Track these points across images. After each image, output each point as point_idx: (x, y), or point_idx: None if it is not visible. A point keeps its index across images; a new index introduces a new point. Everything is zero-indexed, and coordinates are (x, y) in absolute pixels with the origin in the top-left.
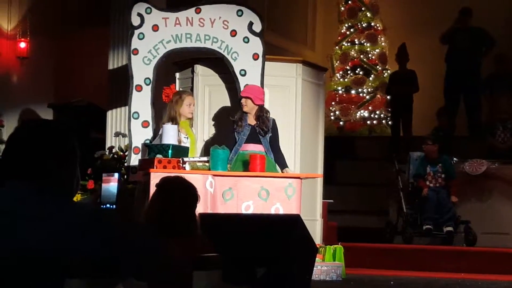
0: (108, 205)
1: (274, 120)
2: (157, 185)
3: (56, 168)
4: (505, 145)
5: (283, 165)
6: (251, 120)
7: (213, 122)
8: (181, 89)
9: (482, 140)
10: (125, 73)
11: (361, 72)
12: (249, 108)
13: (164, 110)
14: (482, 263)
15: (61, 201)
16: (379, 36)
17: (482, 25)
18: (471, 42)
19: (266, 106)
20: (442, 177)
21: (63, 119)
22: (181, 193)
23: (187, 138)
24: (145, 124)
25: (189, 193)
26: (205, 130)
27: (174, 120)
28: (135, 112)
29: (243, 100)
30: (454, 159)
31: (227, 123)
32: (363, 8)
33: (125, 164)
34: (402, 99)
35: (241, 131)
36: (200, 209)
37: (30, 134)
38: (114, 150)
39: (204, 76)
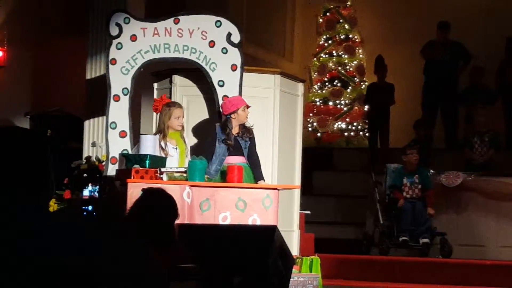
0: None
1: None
2: (141, 194)
3: (26, 175)
4: (483, 158)
5: (258, 177)
6: (234, 130)
7: (191, 133)
8: (171, 101)
9: (459, 153)
10: (103, 83)
11: (338, 84)
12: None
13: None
14: (458, 275)
15: (33, 210)
16: (357, 48)
17: (460, 38)
18: (449, 55)
19: None
20: (419, 188)
21: (35, 127)
22: (163, 203)
23: (176, 149)
24: (122, 134)
25: (171, 204)
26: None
27: (162, 132)
28: (112, 122)
29: (246, 110)
30: (431, 171)
31: (205, 134)
32: (341, 20)
33: (103, 174)
34: (379, 111)
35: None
36: (177, 219)
37: None
38: (91, 160)
39: (182, 87)
